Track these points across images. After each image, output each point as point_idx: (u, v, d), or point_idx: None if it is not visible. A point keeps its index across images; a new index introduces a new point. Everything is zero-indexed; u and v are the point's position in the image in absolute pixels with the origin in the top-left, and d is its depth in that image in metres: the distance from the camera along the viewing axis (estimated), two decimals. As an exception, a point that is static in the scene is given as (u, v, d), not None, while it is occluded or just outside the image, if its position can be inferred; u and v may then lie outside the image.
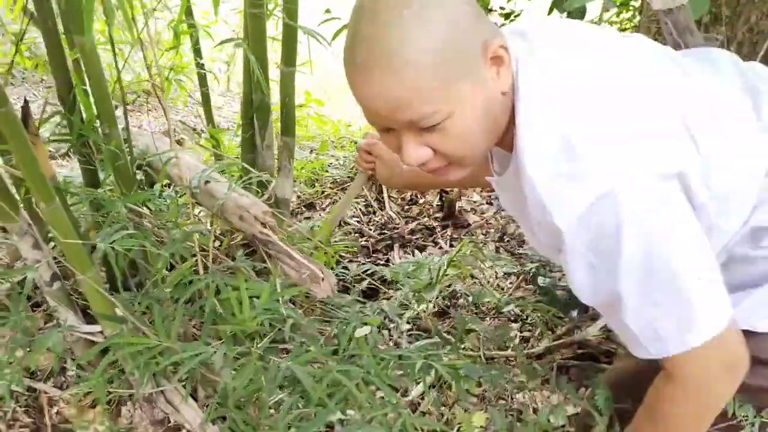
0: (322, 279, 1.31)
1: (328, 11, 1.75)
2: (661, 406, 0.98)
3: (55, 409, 1.65)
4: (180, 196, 1.60)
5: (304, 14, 1.83)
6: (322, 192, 2.93)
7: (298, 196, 2.82)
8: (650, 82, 0.92)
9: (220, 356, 1.34)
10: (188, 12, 1.95)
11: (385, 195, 2.91)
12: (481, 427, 1.72)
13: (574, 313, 2.15)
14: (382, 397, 1.50)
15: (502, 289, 2.39)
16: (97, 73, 1.43)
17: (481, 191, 3.07)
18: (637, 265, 0.84)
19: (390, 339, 1.89)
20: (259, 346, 1.42)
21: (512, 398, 1.93)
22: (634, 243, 0.83)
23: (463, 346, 2.08)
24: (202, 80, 2.22)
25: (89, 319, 1.67)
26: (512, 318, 2.25)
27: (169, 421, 1.69)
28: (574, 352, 2.10)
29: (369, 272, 2.18)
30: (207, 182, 1.55)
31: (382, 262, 2.43)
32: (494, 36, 0.88)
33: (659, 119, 0.88)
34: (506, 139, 0.97)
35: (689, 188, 0.88)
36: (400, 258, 2.46)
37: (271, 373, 1.40)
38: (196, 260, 1.52)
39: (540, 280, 2.16)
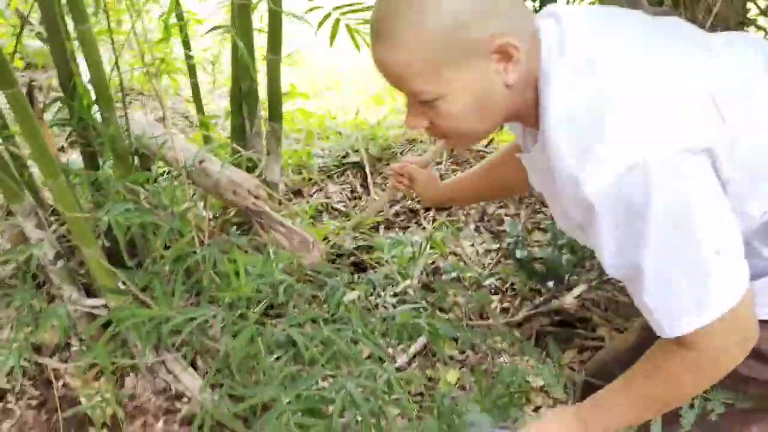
0: (312, 245, 1.42)
1: None
2: (667, 367, 1.00)
3: (60, 382, 1.75)
4: (176, 177, 1.70)
5: (288, 5, 1.94)
6: (310, 179, 3.04)
7: (286, 184, 2.93)
8: (679, 61, 0.93)
9: (219, 318, 1.44)
10: (177, 7, 2.05)
11: (370, 181, 3.02)
12: (460, 386, 1.83)
13: (551, 284, 2.27)
14: (369, 357, 1.61)
15: (484, 265, 2.51)
16: (95, 60, 1.53)
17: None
18: (662, 235, 0.87)
19: (376, 308, 2.00)
20: (255, 311, 1.52)
21: (493, 362, 2.05)
22: (661, 213, 0.86)
23: (447, 317, 2.20)
24: (192, 71, 2.31)
25: (91, 295, 1.77)
26: (493, 290, 2.37)
27: (171, 390, 1.79)
28: (551, 320, 2.23)
29: (356, 247, 2.28)
30: (201, 162, 1.65)
31: (368, 243, 2.54)
32: (507, 31, 0.89)
33: (687, 95, 0.90)
34: (532, 118, 0.99)
35: (717, 164, 0.90)
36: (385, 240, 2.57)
37: (267, 336, 1.50)
38: (193, 236, 1.62)
39: (518, 253, 2.27)
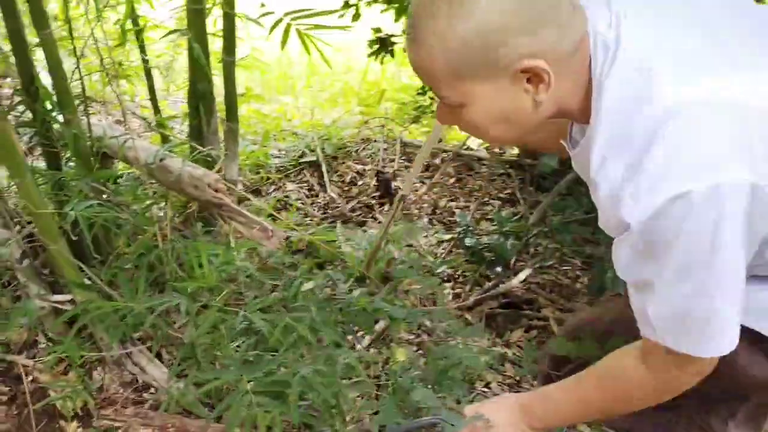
0: (271, 233, 1.52)
1: (263, 5, 1.95)
2: (623, 382, 1.02)
3: (30, 378, 1.80)
4: (138, 177, 1.78)
5: (240, 8, 2.03)
6: (267, 178, 3.12)
7: (244, 183, 3.00)
8: (742, 75, 0.87)
9: (183, 308, 1.52)
10: (133, 13, 2.12)
11: (326, 179, 3.12)
12: (409, 364, 1.94)
13: (499, 269, 2.41)
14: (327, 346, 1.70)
15: (436, 254, 2.64)
16: (56, 64, 1.60)
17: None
18: (683, 269, 0.86)
19: (334, 297, 2.11)
20: (217, 300, 1.61)
21: (446, 344, 2.17)
22: (691, 248, 0.84)
23: (402, 303, 2.31)
24: (148, 75, 2.38)
25: (57, 293, 1.82)
26: (445, 278, 2.50)
27: (138, 381, 1.85)
28: (500, 303, 2.36)
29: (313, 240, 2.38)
30: (162, 159, 1.73)
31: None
32: (540, 52, 0.85)
33: (745, 122, 0.84)
34: (582, 117, 0.95)
35: (759, 196, 0.83)
36: (341, 233, 2.68)
37: (229, 322, 1.59)
38: (155, 232, 1.70)
39: (467, 241, 2.41)
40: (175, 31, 1.83)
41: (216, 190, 1.57)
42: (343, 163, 3.32)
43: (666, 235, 0.84)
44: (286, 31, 1.98)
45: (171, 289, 1.65)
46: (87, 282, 1.70)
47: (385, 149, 3.41)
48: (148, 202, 1.67)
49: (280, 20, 1.97)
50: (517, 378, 2.10)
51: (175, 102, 4.37)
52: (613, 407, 1.09)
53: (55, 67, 1.61)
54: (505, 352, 2.20)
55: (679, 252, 0.84)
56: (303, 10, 1.94)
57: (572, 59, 0.88)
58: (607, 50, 0.88)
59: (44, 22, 1.55)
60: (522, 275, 2.43)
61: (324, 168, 3.17)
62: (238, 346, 1.66)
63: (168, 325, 1.78)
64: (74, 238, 1.54)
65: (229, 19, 2.01)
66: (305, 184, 3.10)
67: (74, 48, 1.58)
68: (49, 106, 1.64)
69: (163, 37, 1.86)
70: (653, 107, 0.84)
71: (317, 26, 2.00)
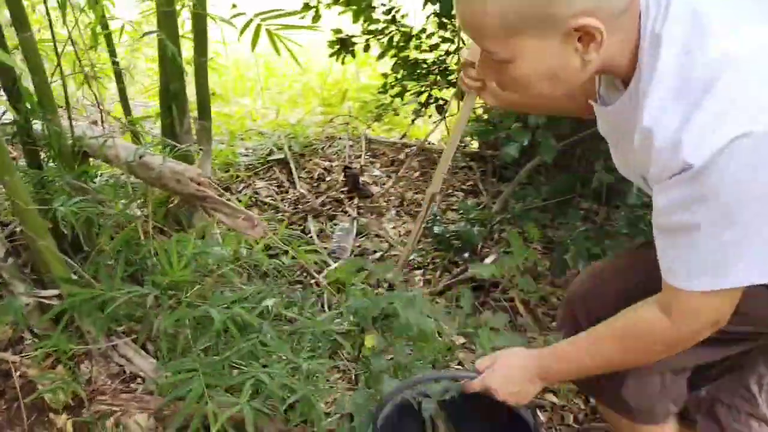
0: (256, 223, 1.60)
1: (234, 6, 2.02)
2: (645, 334, 1.05)
3: (18, 373, 1.83)
4: (121, 174, 1.83)
5: (212, 10, 2.10)
6: (237, 176, 3.18)
7: (215, 182, 3.06)
8: None
9: (151, 298, 1.57)
10: (104, 17, 2.16)
11: (295, 176, 3.20)
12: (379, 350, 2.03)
13: (466, 255, 2.53)
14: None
15: (405, 244, 2.74)
16: (37, 65, 1.65)
17: (380, 167, 3.43)
18: (736, 206, 0.88)
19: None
20: (188, 294, 1.66)
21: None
22: (747, 187, 0.86)
23: (375, 292, 2.41)
24: (118, 78, 2.42)
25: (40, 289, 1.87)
26: (416, 266, 2.61)
27: (125, 372, 1.91)
28: (468, 287, 2.48)
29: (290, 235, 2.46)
30: (141, 156, 1.79)
31: (298, 231, 2.72)
32: (595, 10, 0.86)
33: None
34: (623, 74, 0.98)
35: None
36: (314, 227, 2.76)
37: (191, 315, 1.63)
38: (135, 226, 1.76)
39: (435, 229, 2.52)
40: (150, 33, 1.89)
41: (199, 184, 1.64)
42: (310, 160, 3.40)
43: (725, 175, 0.85)
44: (257, 32, 2.06)
45: (151, 281, 1.71)
46: (73, 277, 1.75)
47: (351, 146, 3.50)
48: (126, 199, 1.72)
49: (251, 21, 2.05)
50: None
51: (136, 106, 4.38)
52: (633, 359, 1.11)
53: (36, 68, 1.66)
54: (476, 331, 2.32)
55: (737, 190, 0.86)
56: (273, 11, 2.02)
57: (623, 16, 0.89)
58: (659, 5, 0.91)
59: (25, 25, 1.60)
60: (488, 260, 2.55)
61: (292, 165, 3.25)
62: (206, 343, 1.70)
63: (155, 317, 1.84)
64: (64, 233, 1.59)
65: (200, 19, 2.08)
66: (274, 181, 3.17)
67: (55, 48, 1.63)
68: (29, 106, 1.69)
69: (142, 37, 1.91)
70: (709, 57, 0.87)
71: (287, 26, 2.08)
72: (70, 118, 1.73)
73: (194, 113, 2.30)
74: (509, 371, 1.17)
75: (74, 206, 1.53)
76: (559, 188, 2.64)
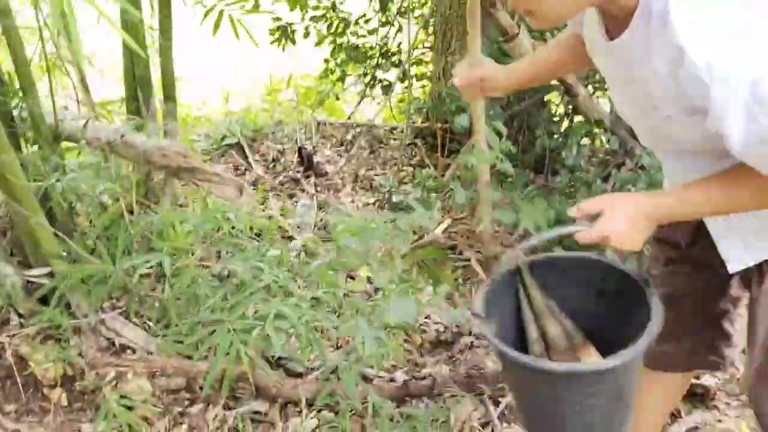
0: (244, 189, 1.71)
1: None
2: (749, 185, 1.01)
3: (9, 351, 1.88)
4: (103, 152, 1.90)
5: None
6: (193, 162, 3.25)
7: (172, 168, 3.12)
8: None
9: (167, 263, 1.68)
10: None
11: (251, 159, 3.30)
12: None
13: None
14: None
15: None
16: (18, 49, 1.71)
17: (330, 147, 3.57)
18: None
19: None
20: (194, 255, 1.78)
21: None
22: None
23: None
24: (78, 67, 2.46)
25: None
26: (376, 235, 2.77)
27: (114, 345, 1.98)
28: (427, 251, 2.67)
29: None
30: (122, 136, 1.87)
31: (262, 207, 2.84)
32: None
33: None
34: (622, 10, 1.01)
35: None
36: (275, 205, 2.88)
37: (206, 276, 1.77)
38: (121, 205, 1.84)
39: (394, 198, 2.69)
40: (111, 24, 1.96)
41: (185, 156, 1.74)
42: (263, 143, 3.50)
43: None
44: (219, 18, 2.17)
45: (144, 252, 1.80)
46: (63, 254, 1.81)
47: (301, 129, 3.62)
48: (108, 180, 1.80)
49: (212, 9, 2.15)
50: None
51: (107, 87, 4.32)
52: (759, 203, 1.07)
53: (16, 52, 1.72)
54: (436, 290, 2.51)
55: None
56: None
57: None
58: None
59: (7, 12, 1.66)
60: (443, 225, 2.75)
61: (246, 148, 3.34)
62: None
63: (142, 288, 1.93)
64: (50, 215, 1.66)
65: (166, 4, 2.15)
66: (231, 164, 3.26)
67: (41, 34, 1.69)
68: (11, 90, 1.74)
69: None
70: None
71: (251, 11, 2.20)
72: (53, 101, 1.79)
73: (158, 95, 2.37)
74: (626, 217, 1.08)
75: (72, 182, 1.60)
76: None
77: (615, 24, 1.05)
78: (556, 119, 2.95)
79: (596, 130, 2.67)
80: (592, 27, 1.14)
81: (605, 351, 1.13)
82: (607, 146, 2.70)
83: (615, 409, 1.13)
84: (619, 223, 1.06)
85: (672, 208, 1.09)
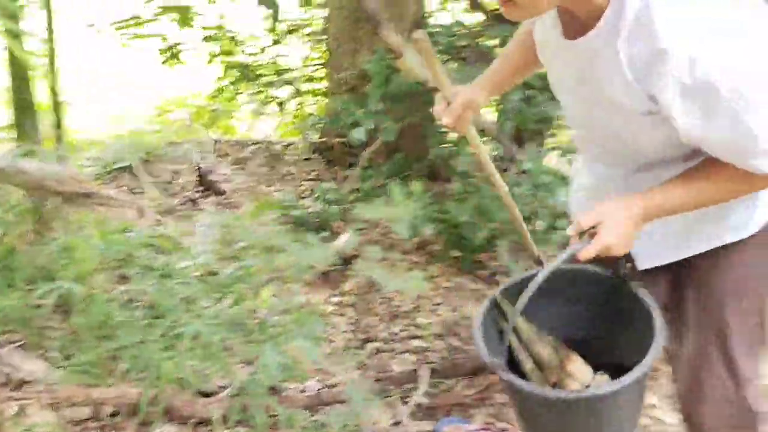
0: (145, 212, 1.72)
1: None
2: (729, 178, 1.07)
3: None
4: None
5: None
6: (84, 187, 3.15)
7: (61, 194, 3.02)
8: None
9: (77, 289, 1.65)
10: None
11: (144, 180, 3.25)
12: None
13: (326, 234, 2.80)
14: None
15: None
16: None
17: (227, 165, 3.59)
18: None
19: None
20: (100, 281, 1.75)
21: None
22: None
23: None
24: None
25: None
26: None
27: (11, 380, 1.90)
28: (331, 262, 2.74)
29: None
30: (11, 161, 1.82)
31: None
32: None
33: None
34: (587, 13, 1.03)
35: None
36: (173, 226, 2.86)
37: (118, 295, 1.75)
38: (22, 231, 1.80)
39: (295, 213, 2.75)
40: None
41: (80, 182, 1.73)
42: (157, 165, 3.45)
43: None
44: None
45: (46, 281, 1.76)
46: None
47: (197, 149, 3.60)
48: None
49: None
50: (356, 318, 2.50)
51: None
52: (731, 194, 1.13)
53: None
54: (341, 301, 2.60)
55: None
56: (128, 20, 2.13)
57: None
58: None
59: None
60: (344, 237, 2.83)
61: (140, 170, 3.28)
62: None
63: (41, 318, 1.87)
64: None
65: (50, 28, 2.12)
66: (124, 187, 3.19)
67: None
68: None
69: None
70: None
71: (139, 36, 2.20)
72: (-66, 128, 1.72)
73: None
74: (622, 224, 1.11)
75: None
76: (398, 167, 3.01)
77: (575, 24, 1.07)
78: (444, 131, 3.12)
79: (483, 138, 2.86)
80: (545, 26, 1.17)
81: (596, 351, 1.27)
82: (495, 153, 2.89)
83: (637, 410, 1.23)
84: (617, 231, 1.10)
85: (661, 205, 1.13)
